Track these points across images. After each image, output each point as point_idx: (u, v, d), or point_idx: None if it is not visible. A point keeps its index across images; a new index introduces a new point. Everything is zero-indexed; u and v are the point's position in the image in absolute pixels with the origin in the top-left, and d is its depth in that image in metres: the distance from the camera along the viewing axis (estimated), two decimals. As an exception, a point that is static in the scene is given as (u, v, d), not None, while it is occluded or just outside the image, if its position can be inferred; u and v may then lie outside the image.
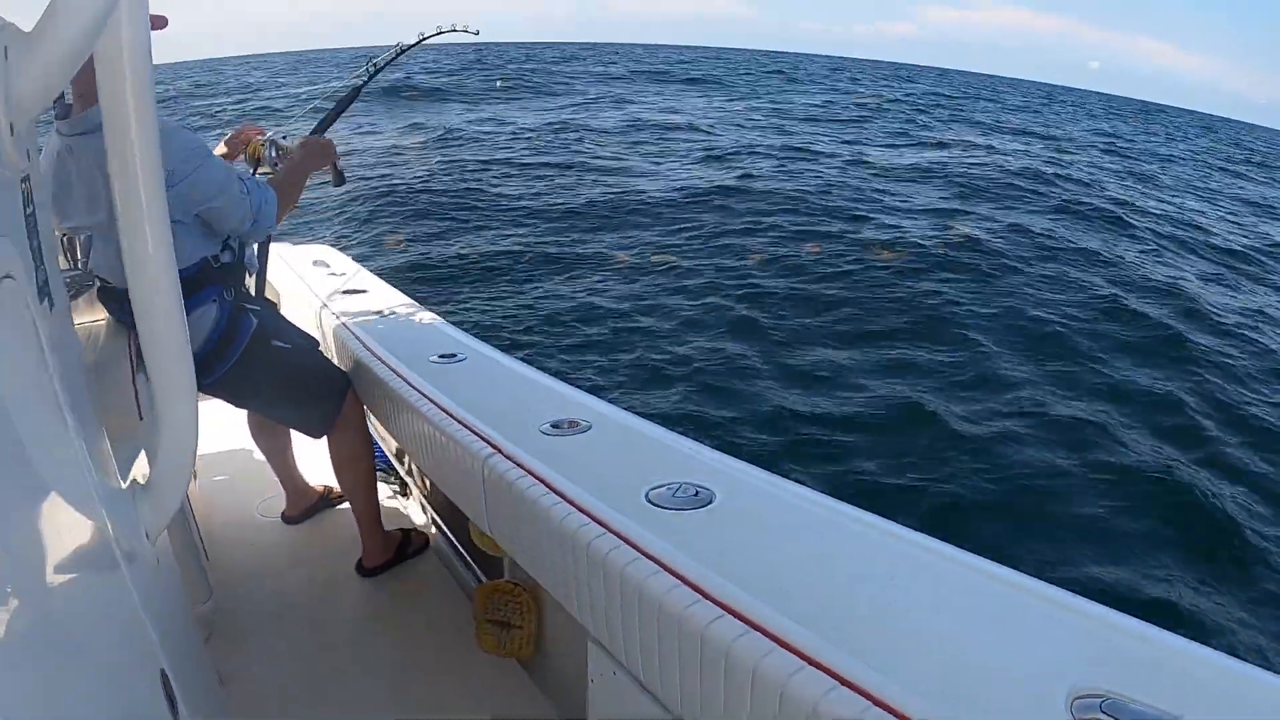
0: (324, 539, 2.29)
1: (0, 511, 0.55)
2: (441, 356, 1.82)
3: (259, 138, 2.19)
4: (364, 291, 2.47)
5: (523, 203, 10.47)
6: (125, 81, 0.77)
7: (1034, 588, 0.91)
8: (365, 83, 2.41)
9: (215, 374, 1.81)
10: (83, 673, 0.62)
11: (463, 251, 8.30)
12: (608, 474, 1.20)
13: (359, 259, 2.97)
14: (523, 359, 1.85)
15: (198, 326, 1.76)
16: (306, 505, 2.37)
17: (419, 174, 12.16)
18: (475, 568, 2.04)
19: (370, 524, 2.12)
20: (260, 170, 2.15)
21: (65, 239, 1.53)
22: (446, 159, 13.52)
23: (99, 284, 1.81)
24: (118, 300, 1.79)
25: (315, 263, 2.77)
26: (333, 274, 2.65)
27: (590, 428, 1.38)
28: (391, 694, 1.73)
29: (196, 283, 1.76)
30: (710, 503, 1.10)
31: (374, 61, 2.44)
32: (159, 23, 1.77)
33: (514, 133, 16.73)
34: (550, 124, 18.15)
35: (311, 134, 2.21)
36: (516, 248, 8.42)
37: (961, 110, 31.68)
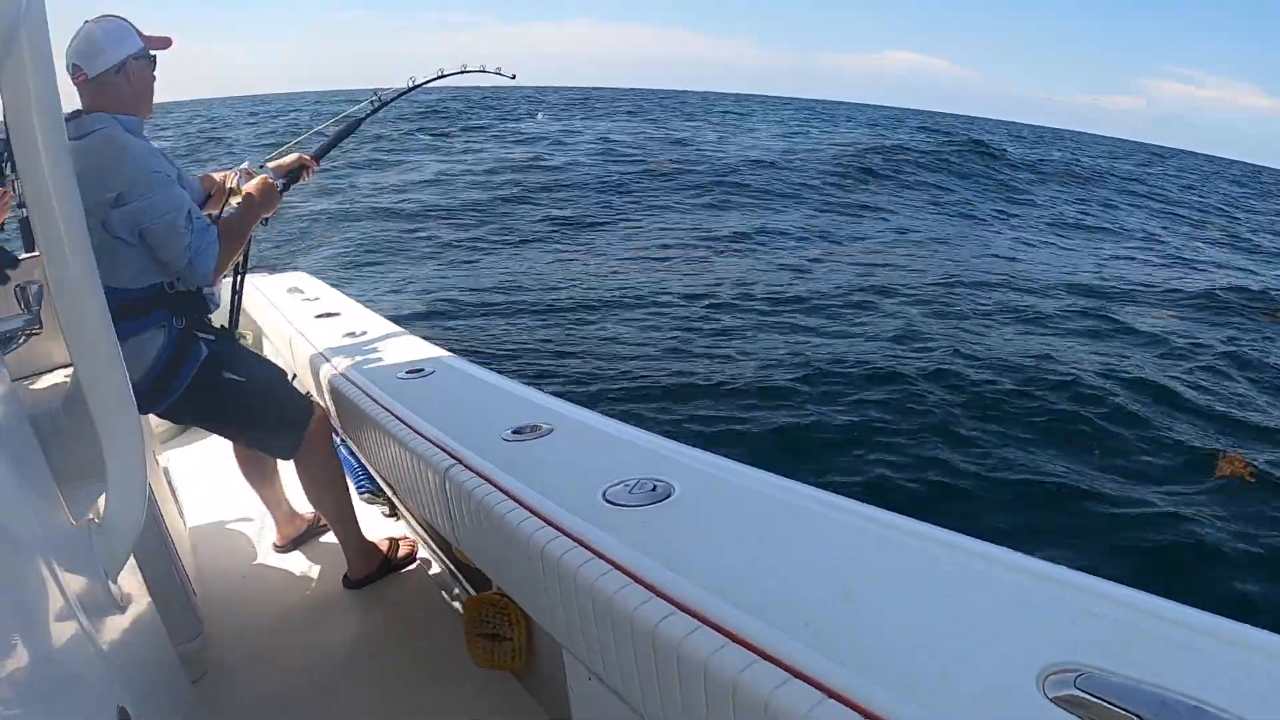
0: (315, 564, 2.29)
1: None
2: (409, 372, 1.81)
3: (233, 170, 2.17)
4: (337, 314, 2.47)
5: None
6: (34, 126, 0.76)
7: (1005, 559, 0.87)
8: (367, 116, 2.40)
9: (162, 402, 1.82)
10: (27, 714, 0.61)
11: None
12: (567, 476, 1.19)
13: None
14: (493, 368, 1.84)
15: (143, 351, 1.77)
16: (296, 533, 2.37)
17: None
18: (464, 581, 2.03)
19: (351, 540, 2.12)
20: (234, 199, 2.12)
21: (18, 288, 1.54)
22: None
23: None
24: None
25: (290, 290, 2.77)
26: (307, 299, 2.65)
27: (552, 431, 1.37)
28: (387, 712, 1.72)
29: (146, 306, 1.76)
30: (669, 496, 1.08)
31: (379, 94, 2.43)
32: (162, 43, 1.76)
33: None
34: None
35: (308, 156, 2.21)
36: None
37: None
